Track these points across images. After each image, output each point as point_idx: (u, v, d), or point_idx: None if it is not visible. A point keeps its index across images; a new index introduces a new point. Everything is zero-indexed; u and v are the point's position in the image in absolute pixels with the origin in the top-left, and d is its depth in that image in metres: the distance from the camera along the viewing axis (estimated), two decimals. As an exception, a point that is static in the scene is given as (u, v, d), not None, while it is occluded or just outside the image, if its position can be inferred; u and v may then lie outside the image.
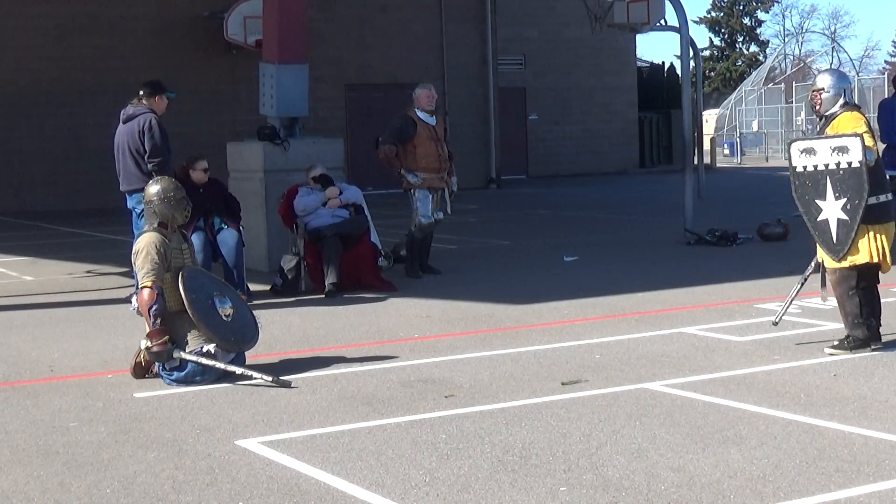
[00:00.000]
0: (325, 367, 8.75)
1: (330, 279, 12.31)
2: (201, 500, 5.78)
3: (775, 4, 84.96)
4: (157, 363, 8.39)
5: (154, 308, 8.31)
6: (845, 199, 8.62)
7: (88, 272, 15.14)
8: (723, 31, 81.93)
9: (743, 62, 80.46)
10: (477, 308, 11.40)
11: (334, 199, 12.87)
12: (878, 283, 8.98)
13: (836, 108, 8.96)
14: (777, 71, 71.38)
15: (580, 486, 5.79)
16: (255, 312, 9.17)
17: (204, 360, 8.29)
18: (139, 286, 8.46)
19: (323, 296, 12.23)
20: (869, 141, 8.62)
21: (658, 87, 42.13)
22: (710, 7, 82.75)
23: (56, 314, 11.81)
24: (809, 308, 10.78)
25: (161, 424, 7.26)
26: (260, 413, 7.46)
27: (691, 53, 21.79)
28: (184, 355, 8.31)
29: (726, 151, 47.33)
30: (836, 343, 8.87)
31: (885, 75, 59.81)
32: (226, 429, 7.09)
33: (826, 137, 8.80)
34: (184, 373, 8.29)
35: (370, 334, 10.19)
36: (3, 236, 20.87)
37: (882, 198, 8.75)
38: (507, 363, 8.78)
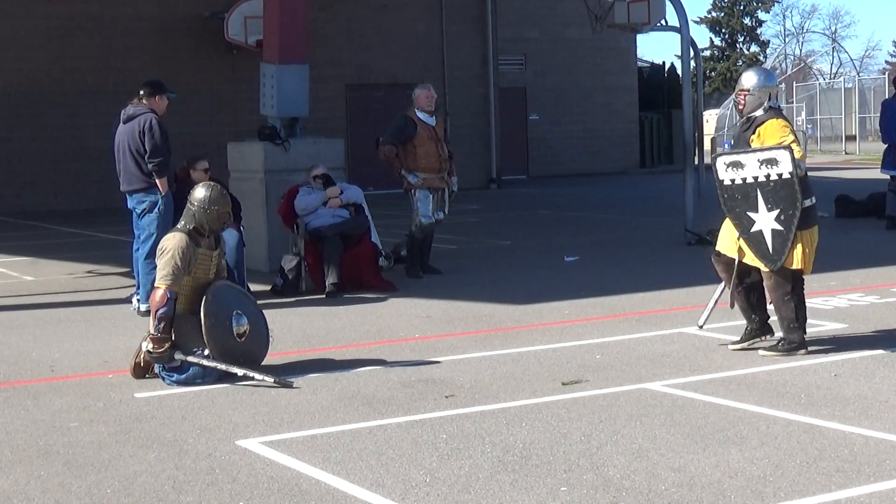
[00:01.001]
0: (326, 368, 8.75)
1: (330, 279, 12.31)
2: (202, 500, 5.78)
3: (776, 4, 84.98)
4: (157, 365, 8.39)
5: (162, 311, 8.29)
6: (778, 210, 8.53)
7: (89, 272, 15.14)
8: (723, 31, 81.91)
9: (743, 62, 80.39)
10: (478, 308, 11.40)
11: (335, 199, 12.88)
12: (741, 284, 8.95)
13: (759, 112, 8.82)
14: (777, 71, 71.34)
15: (581, 486, 5.79)
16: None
17: (206, 363, 8.29)
18: (155, 284, 8.44)
19: (323, 296, 12.23)
20: (798, 151, 8.50)
21: (659, 87, 42.11)
22: (710, 7, 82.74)
23: (57, 314, 11.81)
24: (809, 308, 10.77)
25: (161, 424, 7.27)
26: (260, 413, 7.46)
27: (692, 53, 21.83)
28: (186, 358, 8.29)
29: (727, 151, 47.21)
30: (769, 346, 8.85)
31: (886, 75, 59.84)
32: (226, 429, 7.09)
33: (753, 151, 8.66)
34: (185, 375, 8.28)
35: (371, 334, 10.19)
36: (3, 236, 20.87)
37: (807, 202, 8.65)
38: (507, 363, 8.79)
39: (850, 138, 49.27)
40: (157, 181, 11.47)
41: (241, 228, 12.31)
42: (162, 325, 8.29)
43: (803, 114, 52.55)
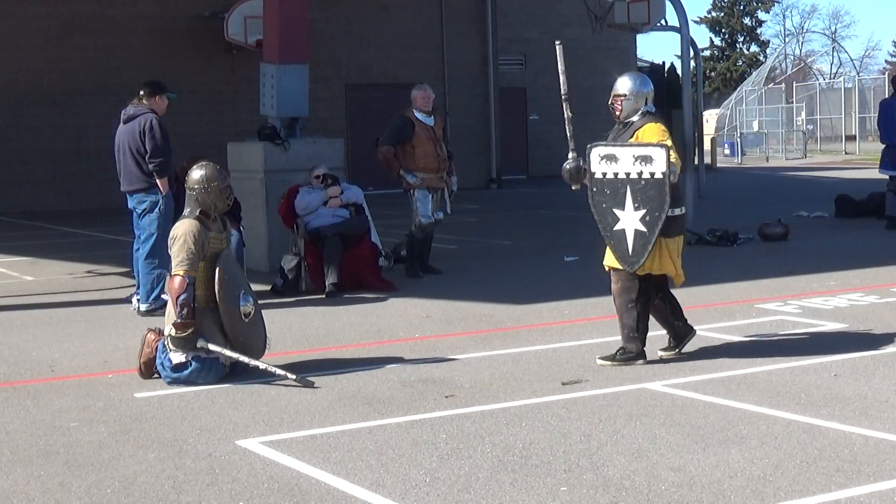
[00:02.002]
0: (326, 368, 8.75)
1: (330, 279, 12.32)
2: (202, 500, 5.78)
3: (776, 4, 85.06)
4: (158, 363, 8.38)
5: (183, 297, 8.27)
6: (645, 211, 8.33)
7: (89, 272, 15.14)
8: (723, 31, 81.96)
9: (743, 62, 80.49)
10: (477, 308, 11.40)
11: (335, 199, 12.88)
12: (655, 298, 8.77)
13: (636, 117, 8.72)
14: (777, 71, 71.46)
15: (580, 486, 5.79)
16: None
17: (228, 352, 8.27)
18: (171, 273, 8.43)
19: (323, 296, 12.23)
20: (674, 156, 8.35)
21: (658, 87, 41.87)
22: (710, 7, 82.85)
23: (57, 314, 11.81)
24: (809, 308, 10.79)
25: (161, 424, 7.27)
26: (260, 413, 7.46)
27: (692, 53, 21.84)
28: (208, 345, 8.27)
29: (727, 151, 47.30)
30: (607, 355, 8.68)
31: (886, 75, 59.81)
32: (226, 429, 7.09)
33: (630, 145, 8.52)
34: (186, 373, 8.27)
35: (370, 334, 10.19)
36: (3, 236, 20.87)
37: (677, 211, 8.57)
38: (507, 363, 8.79)
39: (850, 138, 49.31)
40: (157, 181, 11.48)
41: (241, 228, 12.31)
42: (185, 310, 8.25)
43: (803, 114, 52.57)
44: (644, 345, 8.64)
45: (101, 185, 24.24)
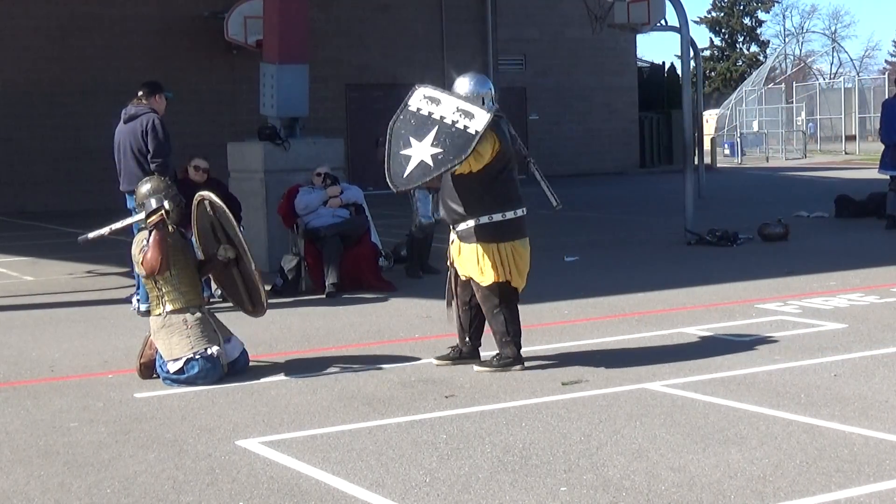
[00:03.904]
0: (326, 368, 8.75)
1: (330, 279, 12.32)
2: (202, 500, 5.78)
3: (776, 4, 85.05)
4: (158, 367, 8.38)
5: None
6: (440, 150, 8.13)
7: (89, 272, 15.14)
8: (723, 31, 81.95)
9: (743, 62, 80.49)
10: (477, 308, 11.38)
11: (335, 199, 12.89)
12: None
13: None
14: (777, 71, 71.43)
15: (580, 486, 5.79)
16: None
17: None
18: (137, 262, 8.47)
19: (323, 296, 12.23)
20: (493, 148, 8.24)
21: (658, 87, 42.11)
22: (710, 7, 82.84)
23: (56, 314, 11.81)
24: (809, 308, 10.79)
25: (161, 424, 7.27)
26: (260, 413, 7.46)
27: (692, 53, 21.83)
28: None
29: (727, 151, 47.30)
30: (483, 361, 8.58)
31: (886, 75, 59.84)
32: (226, 429, 7.09)
33: (458, 97, 8.35)
34: (185, 375, 8.28)
35: (370, 334, 10.19)
36: (3, 236, 20.88)
37: (509, 214, 8.51)
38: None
39: (850, 138, 49.29)
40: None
41: (241, 228, 12.29)
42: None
43: (803, 114, 52.55)
44: (520, 348, 8.52)
45: (100, 184, 24.23)
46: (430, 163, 8.15)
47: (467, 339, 8.76)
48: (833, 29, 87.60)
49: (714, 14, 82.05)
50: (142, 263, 8.44)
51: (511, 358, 8.48)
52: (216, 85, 28.80)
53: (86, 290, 13.60)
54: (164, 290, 8.51)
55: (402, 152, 8.28)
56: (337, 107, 30.35)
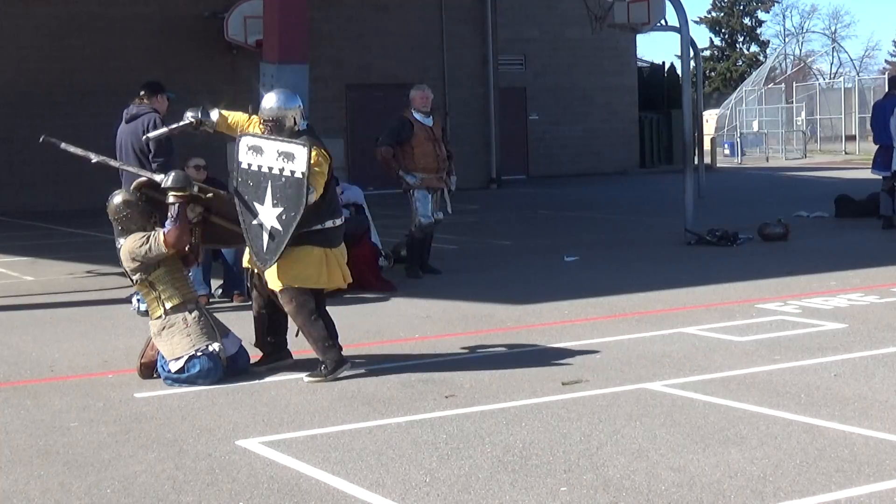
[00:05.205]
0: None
1: (330, 279, 12.29)
2: (202, 500, 5.78)
3: (775, 4, 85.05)
4: (159, 366, 8.37)
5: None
6: (282, 209, 8.18)
7: (89, 272, 15.14)
8: (723, 31, 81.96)
9: (743, 62, 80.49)
10: (477, 308, 11.40)
11: (335, 199, 12.87)
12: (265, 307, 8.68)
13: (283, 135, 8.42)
14: (777, 71, 71.37)
15: (580, 486, 5.79)
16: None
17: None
18: (157, 244, 8.38)
19: (323, 296, 12.21)
20: (317, 180, 8.25)
21: (658, 87, 42.12)
22: (710, 7, 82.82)
23: (57, 314, 11.81)
24: (809, 308, 10.79)
25: (161, 424, 7.27)
26: (260, 413, 7.46)
27: (692, 53, 21.81)
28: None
29: (727, 151, 47.30)
30: (312, 372, 8.42)
31: (885, 75, 59.79)
32: (226, 429, 7.10)
33: (275, 139, 8.33)
34: (186, 374, 8.27)
35: (370, 334, 10.19)
36: (3, 236, 20.88)
37: (339, 222, 8.57)
38: (507, 363, 8.78)
39: (850, 138, 49.27)
40: (158, 180, 11.46)
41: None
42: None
43: (803, 114, 52.55)
44: (341, 349, 8.43)
45: (101, 184, 24.15)
46: (279, 226, 8.22)
47: (269, 338, 8.78)
48: (833, 29, 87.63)
49: (714, 14, 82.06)
50: (165, 241, 8.38)
51: (336, 362, 8.33)
52: (216, 85, 28.69)
53: (86, 290, 13.61)
54: (159, 289, 8.49)
55: (254, 223, 8.31)
56: (336, 107, 30.32)
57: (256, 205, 8.28)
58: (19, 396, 8.14)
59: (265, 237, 8.26)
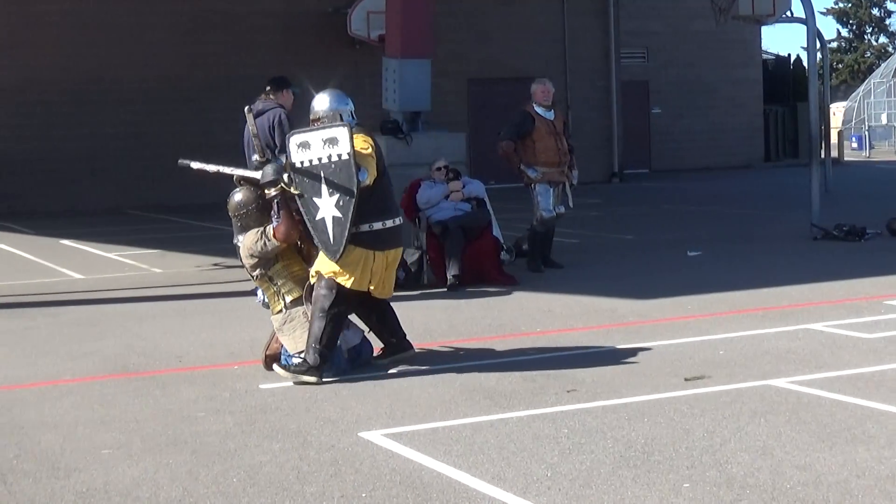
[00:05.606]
0: (447, 361, 8.79)
1: (452, 272, 12.37)
2: (325, 491, 5.85)
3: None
4: (283, 360, 8.47)
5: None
6: (338, 196, 8.22)
7: (215, 265, 15.40)
8: (850, 22, 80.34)
9: (871, 54, 78.83)
10: (599, 302, 11.36)
11: (457, 192, 12.94)
12: (351, 312, 8.54)
13: None
14: (908, 62, 69.72)
15: (703, 482, 5.75)
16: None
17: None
18: (270, 239, 8.51)
19: (445, 289, 12.28)
20: (370, 165, 8.21)
21: (784, 79, 41.48)
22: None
23: (185, 306, 12.04)
24: (940, 305, 10.56)
25: (286, 415, 7.37)
26: (383, 406, 7.53)
27: (818, 45, 21.46)
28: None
29: (854, 145, 46.43)
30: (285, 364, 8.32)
31: None
32: (349, 421, 7.17)
33: (318, 128, 8.38)
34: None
35: (492, 328, 10.21)
36: (133, 230, 21.32)
37: (377, 225, 8.37)
38: (629, 358, 8.74)
39: None
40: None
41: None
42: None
43: (934, 106, 51.31)
44: (324, 361, 8.21)
45: (227, 181, 24.58)
46: (339, 213, 8.27)
47: (390, 339, 8.80)
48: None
49: (841, 5, 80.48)
50: (275, 236, 8.51)
51: (307, 365, 8.21)
52: (339, 80, 29.02)
53: (212, 283, 13.84)
54: (278, 283, 8.60)
55: (317, 218, 8.35)
56: (459, 101, 30.39)
57: (316, 200, 8.36)
58: (149, 386, 8.32)
59: (329, 228, 8.32)
